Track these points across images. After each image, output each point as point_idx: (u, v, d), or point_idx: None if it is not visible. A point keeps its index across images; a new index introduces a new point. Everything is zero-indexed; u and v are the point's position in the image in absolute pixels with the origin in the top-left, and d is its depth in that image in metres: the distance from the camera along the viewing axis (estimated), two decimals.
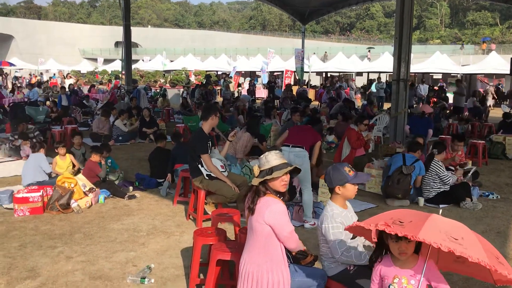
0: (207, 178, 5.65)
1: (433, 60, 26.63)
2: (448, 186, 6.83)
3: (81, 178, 6.88)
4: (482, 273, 2.35)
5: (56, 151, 7.82)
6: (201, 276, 4.17)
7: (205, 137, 5.70)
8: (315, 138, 6.18)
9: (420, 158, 7.05)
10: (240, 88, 30.74)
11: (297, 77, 27.08)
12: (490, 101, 23.53)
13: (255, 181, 3.13)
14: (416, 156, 6.91)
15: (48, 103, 18.65)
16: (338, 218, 3.18)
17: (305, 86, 26.17)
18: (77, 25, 68.93)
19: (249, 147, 8.44)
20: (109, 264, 4.57)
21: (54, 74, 37.11)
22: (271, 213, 3.03)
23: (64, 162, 7.75)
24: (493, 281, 2.35)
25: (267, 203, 3.08)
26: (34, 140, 9.22)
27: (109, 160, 8.09)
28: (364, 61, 30.70)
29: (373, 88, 25.90)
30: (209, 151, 5.71)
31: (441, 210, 2.40)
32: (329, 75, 32.81)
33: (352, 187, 3.26)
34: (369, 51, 42.68)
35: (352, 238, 3.22)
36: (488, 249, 2.17)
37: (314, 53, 38.44)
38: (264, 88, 29.88)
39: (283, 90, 23.63)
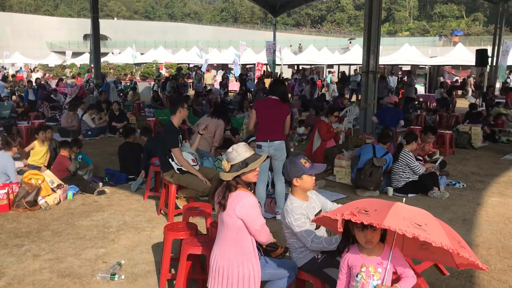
0: (178, 172, 5.61)
1: (402, 52, 27.06)
2: (417, 176, 6.97)
3: (48, 174, 6.72)
4: (445, 258, 2.43)
5: (36, 136, 7.66)
6: (173, 271, 4.15)
7: (175, 130, 5.65)
8: (286, 112, 5.67)
9: (389, 149, 7.18)
10: (212, 81, 30.56)
11: (269, 70, 27.07)
12: (470, 92, 24.07)
13: (228, 176, 3.10)
14: (385, 148, 7.03)
15: (14, 97, 18.13)
16: (298, 210, 3.21)
17: None
18: (44, 17, 67.05)
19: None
20: (78, 262, 4.49)
21: (21, 68, 36.02)
22: (242, 207, 3.03)
23: (42, 149, 7.61)
24: (455, 265, 2.42)
25: (238, 197, 3.07)
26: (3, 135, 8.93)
27: (80, 156, 7.93)
28: (335, 53, 30.93)
29: (328, 80, 26.63)
30: (180, 144, 5.67)
31: (404, 199, 2.46)
32: (300, 68, 32.96)
33: (309, 178, 3.29)
34: (350, 42, 42.62)
35: (316, 229, 3.26)
36: (450, 234, 2.24)
37: (291, 45, 38.57)
38: (236, 81, 29.78)
39: (255, 83, 23.62)
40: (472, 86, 24.92)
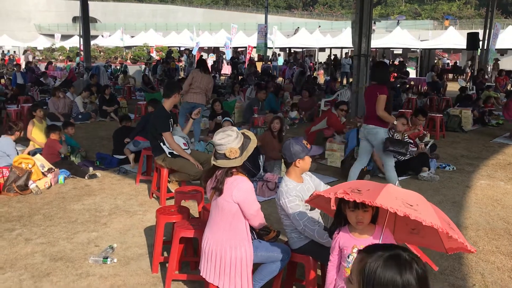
0: (169, 156, 5.59)
1: (394, 35, 26.99)
2: (408, 156, 6.97)
3: (39, 158, 6.68)
4: (435, 243, 2.45)
5: (34, 114, 7.68)
6: (165, 254, 4.17)
7: (166, 114, 5.62)
8: (376, 94, 5.65)
9: None
10: None
11: (261, 54, 26.87)
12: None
13: (239, 161, 3.10)
14: None
15: (2, 81, 17.91)
16: (293, 192, 3.21)
17: (270, 63, 26.09)
18: None
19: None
20: (70, 245, 4.49)
21: (8, 50, 35.48)
22: (239, 191, 3.05)
23: (42, 126, 7.68)
24: (445, 250, 2.45)
25: (235, 181, 3.08)
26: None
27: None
28: (326, 36, 30.77)
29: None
30: (171, 128, 5.64)
31: (397, 182, 2.47)
32: (292, 51, 32.80)
33: (309, 159, 3.33)
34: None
35: (311, 210, 3.26)
36: (440, 216, 2.26)
37: (297, 28, 38.13)
38: (228, 65, 29.59)
39: (246, 66, 23.48)
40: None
